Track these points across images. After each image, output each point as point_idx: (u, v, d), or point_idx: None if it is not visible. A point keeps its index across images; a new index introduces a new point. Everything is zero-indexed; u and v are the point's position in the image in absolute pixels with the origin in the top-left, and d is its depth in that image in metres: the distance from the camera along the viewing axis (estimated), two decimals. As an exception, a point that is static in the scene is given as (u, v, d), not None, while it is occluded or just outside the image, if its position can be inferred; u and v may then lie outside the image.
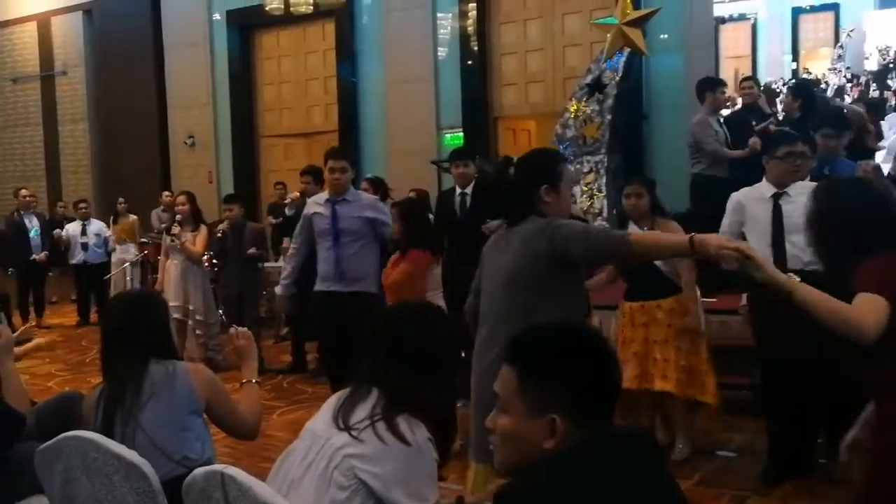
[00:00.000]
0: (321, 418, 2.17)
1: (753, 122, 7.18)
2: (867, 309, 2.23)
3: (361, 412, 2.07)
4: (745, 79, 8.26)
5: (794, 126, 6.63)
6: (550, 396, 1.56)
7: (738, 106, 8.45)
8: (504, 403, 1.63)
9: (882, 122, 8.45)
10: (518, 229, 3.04)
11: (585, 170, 8.45)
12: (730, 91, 8.48)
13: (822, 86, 10.27)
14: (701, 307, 4.80)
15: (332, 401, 2.20)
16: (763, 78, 10.52)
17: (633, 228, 4.59)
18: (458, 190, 6.36)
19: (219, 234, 7.72)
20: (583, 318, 3.03)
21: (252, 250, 7.53)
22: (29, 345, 3.74)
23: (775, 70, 11.37)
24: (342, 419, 2.07)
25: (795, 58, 11.24)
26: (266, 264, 8.40)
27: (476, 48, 10.46)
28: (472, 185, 6.32)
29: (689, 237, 2.59)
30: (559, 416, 1.54)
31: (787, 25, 11.47)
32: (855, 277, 2.33)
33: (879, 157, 7.03)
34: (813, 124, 5.75)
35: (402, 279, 4.92)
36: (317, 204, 5.33)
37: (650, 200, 4.74)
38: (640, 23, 7.87)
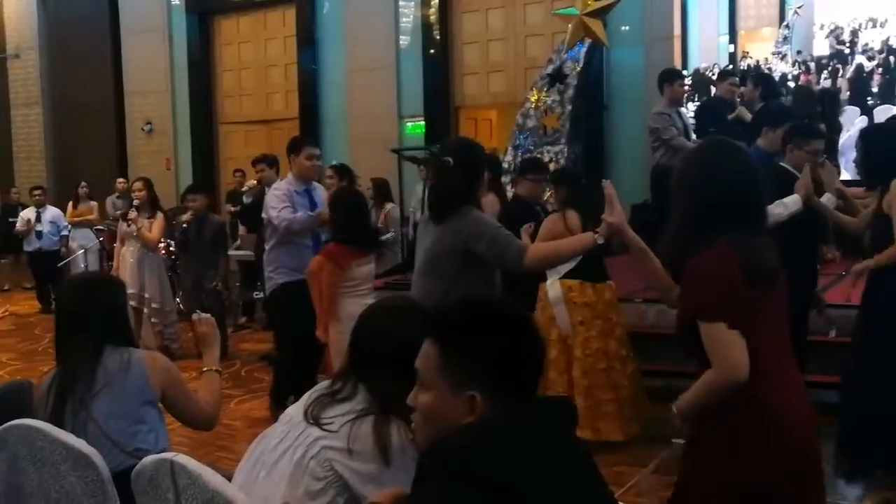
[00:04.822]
0: (302, 404, 2.13)
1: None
2: (725, 363, 2.09)
3: (343, 406, 2.03)
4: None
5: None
6: (471, 373, 1.51)
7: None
8: (425, 380, 1.58)
9: (839, 116, 8.42)
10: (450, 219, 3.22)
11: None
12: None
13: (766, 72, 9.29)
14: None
15: (317, 389, 2.15)
16: (695, 63, 9.50)
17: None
18: None
19: (183, 226, 7.63)
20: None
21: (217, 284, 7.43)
22: None
23: (710, 54, 9.77)
24: (313, 413, 2.02)
25: (733, 39, 9.63)
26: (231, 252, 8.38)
27: (438, 37, 10.44)
28: None
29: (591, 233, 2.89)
30: (479, 393, 1.50)
31: (724, 1, 9.50)
32: (687, 281, 2.18)
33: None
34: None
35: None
36: (295, 192, 5.37)
37: (558, 194, 4.98)
38: (601, 13, 7.90)
